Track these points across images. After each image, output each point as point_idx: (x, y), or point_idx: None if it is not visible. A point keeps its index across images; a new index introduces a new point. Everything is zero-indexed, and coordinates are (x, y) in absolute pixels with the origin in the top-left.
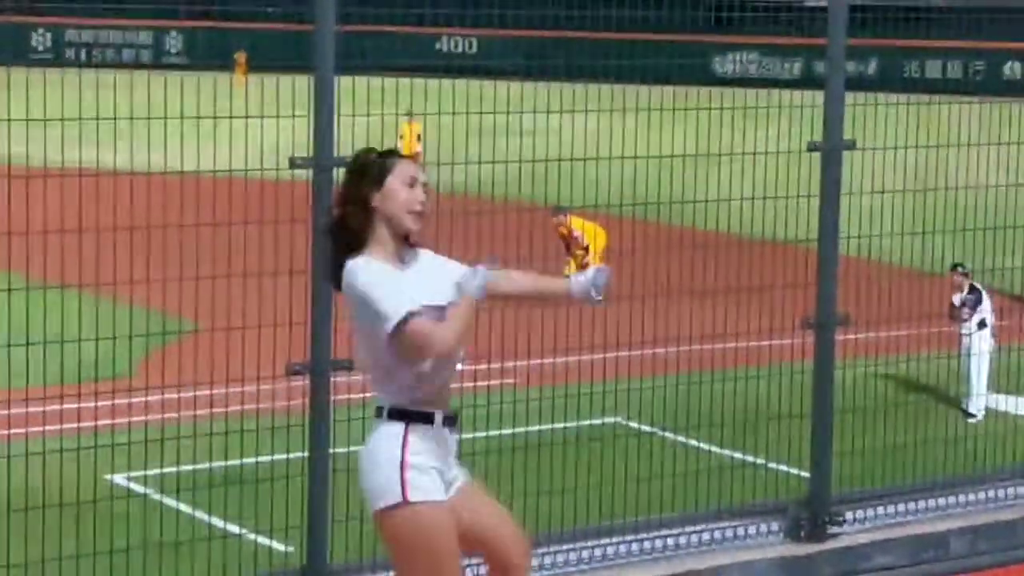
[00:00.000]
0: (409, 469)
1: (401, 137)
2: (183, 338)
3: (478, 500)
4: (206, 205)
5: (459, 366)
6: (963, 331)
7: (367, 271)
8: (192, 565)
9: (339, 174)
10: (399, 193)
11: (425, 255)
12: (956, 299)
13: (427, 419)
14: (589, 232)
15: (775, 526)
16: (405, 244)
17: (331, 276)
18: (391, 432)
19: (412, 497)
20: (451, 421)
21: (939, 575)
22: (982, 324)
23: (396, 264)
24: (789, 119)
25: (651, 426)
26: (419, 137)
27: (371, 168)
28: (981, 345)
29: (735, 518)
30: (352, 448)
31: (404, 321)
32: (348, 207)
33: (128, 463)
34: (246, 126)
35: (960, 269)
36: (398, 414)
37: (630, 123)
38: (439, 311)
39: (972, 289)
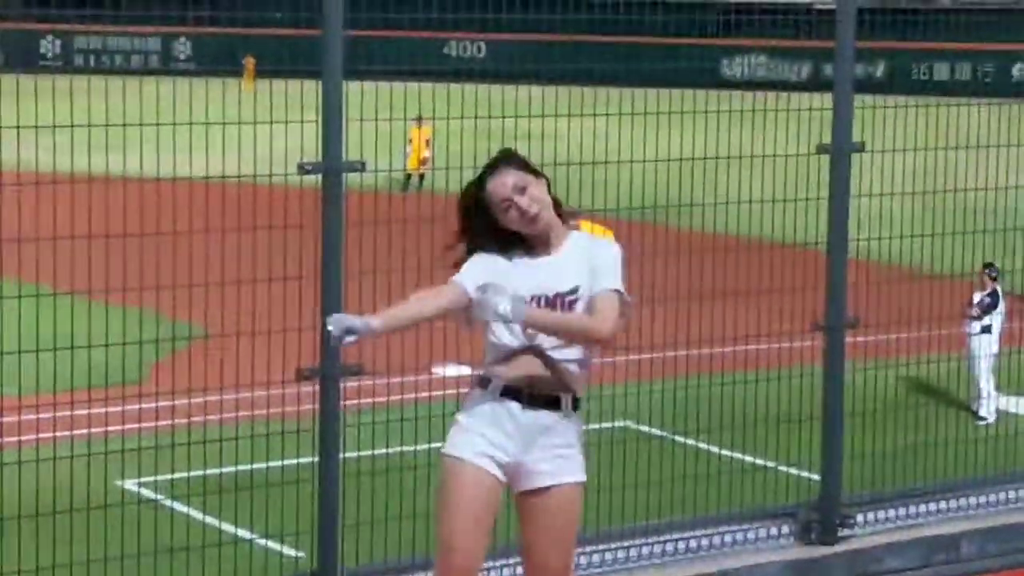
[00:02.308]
0: (454, 425)
1: (410, 141)
2: (193, 344)
3: (544, 515)
4: (215, 211)
5: (558, 354)
6: (970, 331)
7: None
8: (203, 570)
9: (347, 179)
10: (506, 220)
11: (571, 241)
12: (976, 296)
13: (485, 384)
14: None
15: (786, 529)
16: (538, 241)
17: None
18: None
19: (444, 449)
20: (520, 397)
21: None
22: (987, 329)
23: (533, 254)
24: (798, 122)
25: (661, 430)
26: (428, 142)
27: (478, 207)
28: (984, 348)
29: (745, 521)
30: (362, 452)
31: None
32: (478, 238)
33: (139, 468)
34: (254, 131)
35: (988, 270)
36: (474, 377)
37: (638, 127)
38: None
39: (993, 293)
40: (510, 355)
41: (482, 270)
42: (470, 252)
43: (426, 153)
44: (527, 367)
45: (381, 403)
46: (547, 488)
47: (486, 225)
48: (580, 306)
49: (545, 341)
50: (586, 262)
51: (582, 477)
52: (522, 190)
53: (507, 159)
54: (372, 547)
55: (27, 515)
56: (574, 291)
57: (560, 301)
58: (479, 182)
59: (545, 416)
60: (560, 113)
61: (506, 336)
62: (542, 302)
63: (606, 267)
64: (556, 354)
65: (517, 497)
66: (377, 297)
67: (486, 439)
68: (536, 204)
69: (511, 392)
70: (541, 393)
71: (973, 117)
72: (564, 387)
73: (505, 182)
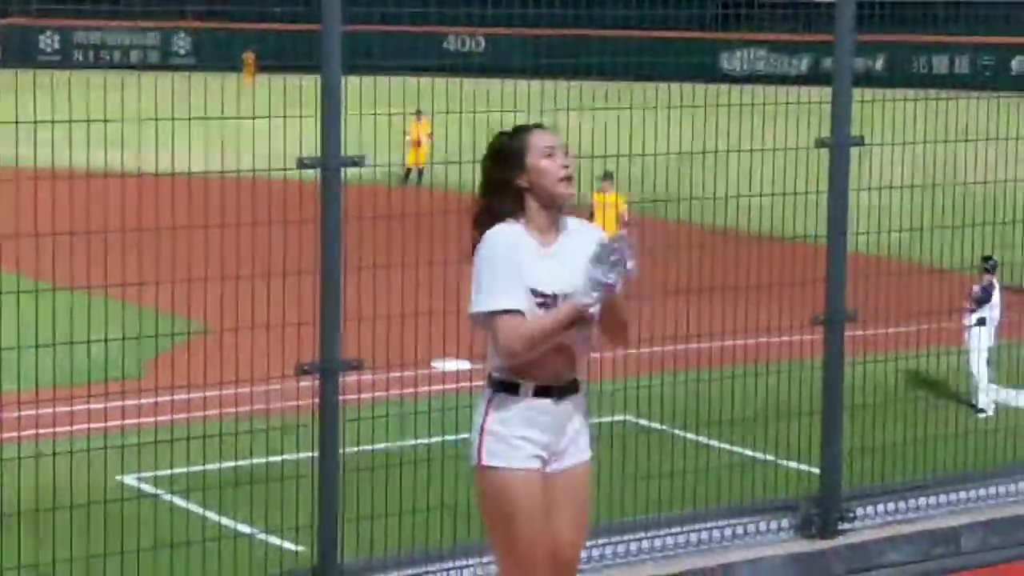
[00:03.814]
0: (487, 435)
1: (407, 134)
2: (192, 339)
3: (560, 494)
4: (214, 206)
5: (589, 341)
6: (967, 323)
7: (493, 246)
8: (203, 565)
9: (346, 173)
10: (544, 166)
11: (574, 226)
12: (975, 288)
13: (512, 389)
14: (610, 219)
15: (786, 523)
16: (557, 213)
17: None
18: (482, 398)
19: (486, 461)
20: (550, 392)
21: (950, 571)
22: (981, 321)
23: (544, 241)
24: (797, 115)
25: (661, 424)
26: (430, 135)
27: (508, 152)
28: (978, 342)
29: (745, 515)
30: (362, 447)
31: (492, 313)
32: (494, 194)
33: (138, 464)
34: (253, 126)
35: (985, 263)
36: (489, 381)
37: (638, 121)
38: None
39: (987, 285)
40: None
41: (513, 271)
42: (484, 220)
43: (424, 137)
44: (550, 362)
45: (381, 398)
46: (574, 467)
47: (505, 181)
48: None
49: (574, 334)
50: (584, 247)
51: (591, 452)
52: (566, 151)
53: (542, 127)
54: (372, 542)
55: (27, 510)
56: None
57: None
58: (507, 132)
59: (571, 401)
60: (559, 107)
61: None
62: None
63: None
64: (581, 334)
65: (542, 480)
66: (376, 291)
67: (527, 441)
68: (572, 169)
69: (542, 391)
70: (568, 382)
71: (972, 110)
72: (581, 367)
73: (553, 136)
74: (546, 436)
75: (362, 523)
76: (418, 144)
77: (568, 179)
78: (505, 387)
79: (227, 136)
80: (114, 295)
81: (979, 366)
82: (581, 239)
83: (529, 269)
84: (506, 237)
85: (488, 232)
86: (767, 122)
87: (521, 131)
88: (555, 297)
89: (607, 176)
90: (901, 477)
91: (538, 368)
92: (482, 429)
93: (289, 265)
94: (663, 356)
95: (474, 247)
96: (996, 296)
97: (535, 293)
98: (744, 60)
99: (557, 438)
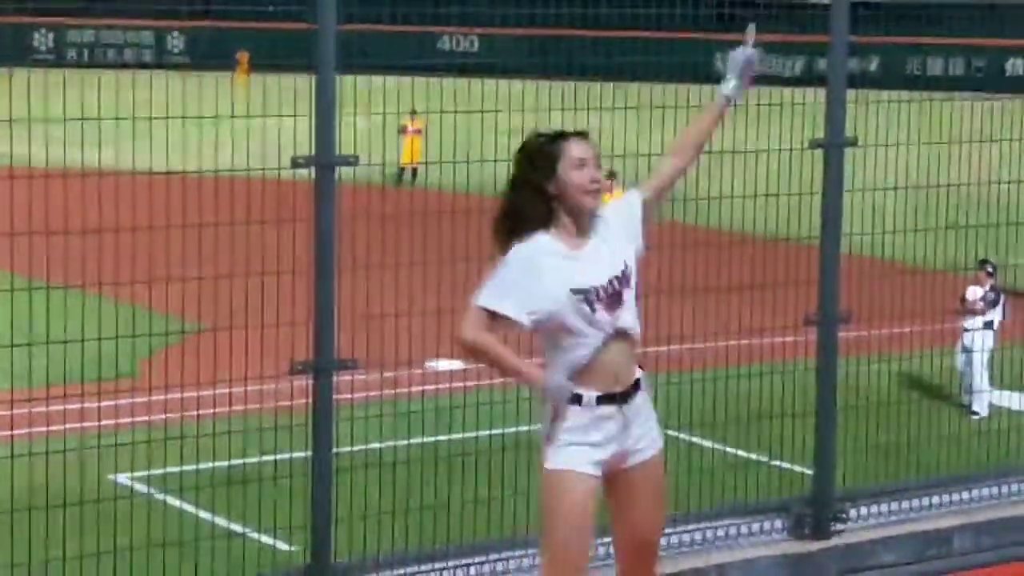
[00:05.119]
0: (552, 446)
1: (400, 132)
2: (186, 338)
3: (642, 484)
4: (208, 205)
5: (634, 346)
6: (966, 326)
7: (512, 257)
8: (196, 565)
9: (340, 173)
10: (573, 178)
11: (607, 214)
12: (970, 292)
13: (575, 399)
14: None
15: (779, 523)
16: (583, 221)
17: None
18: (547, 408)
19: (548, 465)
20: (614, 399)
21: (943, 572)
22: (988, 324)
23: (573, 244)
24: (791, 116)
25: None
26: (420, 131)
27: (541, 156)
28: (984, 343)
29: (738, 516)
30: (356, 447)
31: (478, 306)
32: (523, 195)
33: (131, 463)
34: (247, 126)
35: (986, 266)
36: (554, 393)
37: (631, 121)
38: (609, 295)
39: (993, 288)
40: (595, 352)
41: (527, 281)
42: (506, 218)
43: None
44: (611, 365)
45: (375, 397)
46: (649, 459)
47: (534, 184)
48: (634, 279)
49: (627, 317)
50: (619, 229)
51: (662, 441)
52: (598, 164)
53: (587, 136)
54: (365, 541)
55: (20, 509)
56: (625, 270)
57: (618, 282)
58: (544, 136)
59: (637, 400)
60: (553, 107)
61: (590, 331)
62: (607, 292)
63: (627, 208)
64: (634, 324)
65: (616, 478)
66: (370, 291)
67: (591, 446)
68: (603, 183)
69: (606, 398)
70: (629, 382)
71: (966, 112)
72: (638, 363)
73: (588, 147)
74: (613, 440)
75: (355, 523)
76: (417, 132)
77: (595, 192)
78: (569, 398)
79: (221, 135)
80: (108, 294)
81: (981, 369)
82: (608, 220)
83: (561, 272)
84: (527, 250)
85: (516, 248)
86: (761, 123)
87: (558, 137)
88: (595, 290)
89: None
90: (894, 478)
91: (599, 377)
92: (547, 438)
93: (283, 264)
94: (656, 357)
95: (498, 243)
96: (1003, 302)
97: (575, 292)
98: None
99: (624, 440)
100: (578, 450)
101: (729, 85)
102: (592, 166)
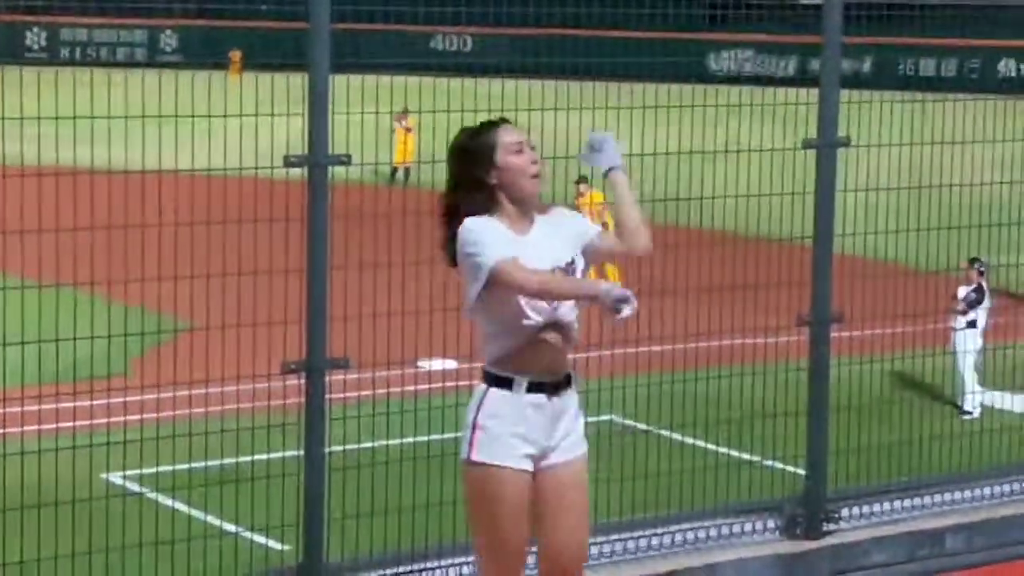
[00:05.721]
0: (479, 430)
1: (393, 131)
2: (178, 336)
3: (560, 492)
4: (200, 204)
5: (573, 335)
6: (955, 326)
7: (474, 227)
8: (188, 564)
9: (333, 172)
10: (512, 164)
11: (545, 213)
12: (961, 291)
13: (506, 384)
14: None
15: (771, 523)
16: (527, 207)
17: (450, 258)
18: (475, 394)
19: (475, 457)
20: (544, 388)
21: (935, 572)
22: (972, 324)
23: (518, 229)
24: (784, 116)
25: (646, 424)
26: (409, 129)
27: (477, 149)
28: (967, 343)
29: (731, 516)
30: (348, 446)
31: (495, 268)
32: (463, 191)
33: (123, 462)
34: (240, 124)
35: (976, 265)
36: (484, 376)
37: (625, 121)
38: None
39: (979, 288)
40: (531, 339)
41: (504, 239)
42: (453, 217)
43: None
44: (546, 352)
45: (367, 397)
46: (569, 461)
47: (475, 178)
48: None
49: (565, 310)
50: (570, 233)
51: (585, 446)
52: (532, 146)
53: (507, 122)
54: (357, 541)
55: (12, 508)
56: (572, 262)
57: (561, 273)
58: (474, 130)
59: (566, 396)
60: (546, 107)
61: (532, 314)
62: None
63: (581, 222)
64: (572, 319)
65: (542, 476)
66: (363, 290)
67: (519, 438)
68: (540, 165)
69: (536, 386)
70: (561, 376)
71: (959, 113)
72: (570, 360)
73: (519, 132)
74: (540, 434)
75: (347, 522)
76: (408, 130)
77: (536, 176)
78: (498, 382)
79: (213, 134)
80: (100, 293)
81: (966, 368)
82: (556, 219)
83: (513, 247)
84: (485, 220)
85: (465, 223)
86: (754, 123)
87: (488, 128)
88: (553, 272)
89: (581, 180)
90: (886, 478)
91: (531, 362)
92: (474, 424)
93: (275, 263)
94: (648, 356)
95: (443, 245)
96: (987, 301)
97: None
98: (731, 61)
99: (550, 434)
100: (508, 442)
101: (593, 159)
102: (528, 149)
